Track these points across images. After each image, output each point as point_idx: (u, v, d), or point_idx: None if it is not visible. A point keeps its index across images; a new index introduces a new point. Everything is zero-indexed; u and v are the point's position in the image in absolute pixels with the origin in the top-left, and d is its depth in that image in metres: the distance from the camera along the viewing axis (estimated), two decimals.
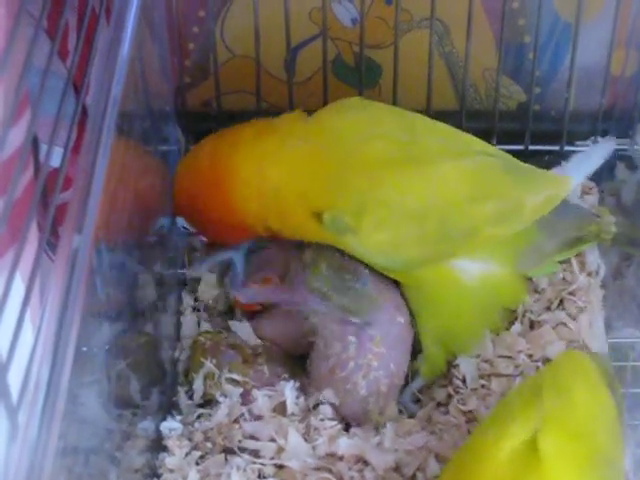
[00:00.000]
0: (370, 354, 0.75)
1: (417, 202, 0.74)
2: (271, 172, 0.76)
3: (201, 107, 0.92)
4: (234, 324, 0.82)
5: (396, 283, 0.78)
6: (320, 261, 0.77)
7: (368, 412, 0.76)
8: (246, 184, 0.77)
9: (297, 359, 0.80)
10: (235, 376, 0.77)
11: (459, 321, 0.77)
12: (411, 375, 0.79)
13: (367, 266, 0.77)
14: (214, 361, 0.78)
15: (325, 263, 0.77)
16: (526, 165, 0.79)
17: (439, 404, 0.78)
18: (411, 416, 0.77)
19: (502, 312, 0.79)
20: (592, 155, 0.81)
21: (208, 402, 0.77)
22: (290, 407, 0.76)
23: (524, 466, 0.58)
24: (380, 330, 0.76)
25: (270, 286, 0.80)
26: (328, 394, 0.76)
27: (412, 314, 0.78)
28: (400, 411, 0.78)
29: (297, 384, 0.77)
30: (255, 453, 0.74)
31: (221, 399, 0.76)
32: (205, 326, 0.84)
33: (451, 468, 0.64)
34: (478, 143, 0.78)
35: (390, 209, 0.74)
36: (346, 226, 0.74)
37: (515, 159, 0.79)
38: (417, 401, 0.79)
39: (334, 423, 0.75)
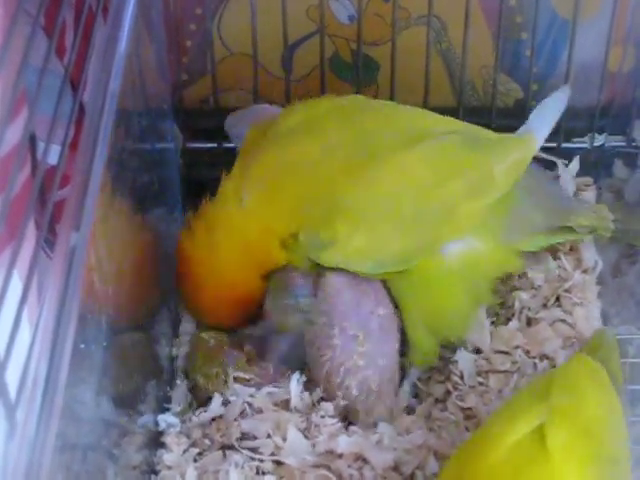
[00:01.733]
0: (355, 354, 0.75)
1: (385, 198, 0.74)
2: (244, 225, 0.76)
3: (198, 104, 0.92)
4: None
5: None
6: (270, 282, 0.77)
7: (357, 412, 0.76)
8: (232, 252, 0.77)
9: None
10: (242, 374, 0.77)
11: (446, 303, 0.76)
12: (407, 368, 0.78)
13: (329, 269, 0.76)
14: (219, 361, 0.78)
15: (272, 283, 0.77)
16: (489, 134, 0.79)
17: (437, 400, 0.78)
18: (410, 412, 0.77)
19: (489, 285, 0.78)
20: (550, 107, 0.81)
21: (208, 399, 0.77)
22: (294, 402, 0.76)
23: (529, 456, 0.58)
24: (362, 327, 0.75)
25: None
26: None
27: (396, 305, 0.77)
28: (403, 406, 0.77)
29: (304, 378, 0.77)
30: (254, 450, 0.74)
31: (232, 398, 0.76)
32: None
33: (458, 457, 0.64)
34: (441, 122, 0.78)
35: (360, 212, 0.74)
36: (322, 241, 0.74)
37: (481, 129, 0.79)
38: (415, 396, 0.79)
39: (335, 420, 0.75)
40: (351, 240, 0.74)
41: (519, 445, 0.59)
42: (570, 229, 0.80)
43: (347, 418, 0.76)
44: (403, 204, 0.74)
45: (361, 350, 0.75)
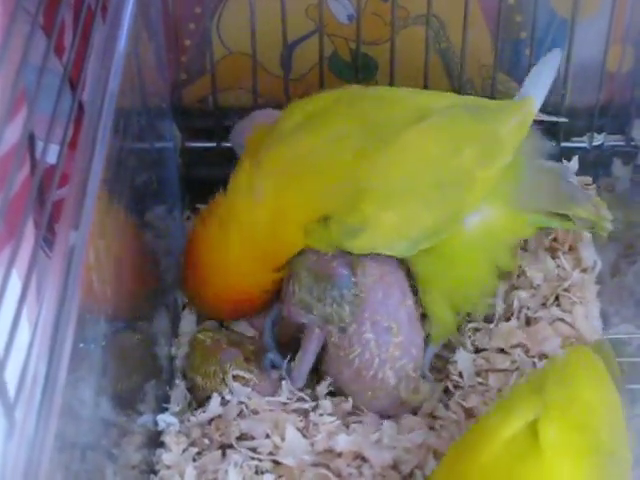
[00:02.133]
0: (391, 346, 0.75)
1: (405, 175, 0.75)
2: (261, 222, 0.76)
3: (197, 104, 0.92)
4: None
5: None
6: (301, 271, 0.76)
7: (402, 398, 0.76)
8: (246, 248, 0.77)
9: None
10: (240, 373, 0.77)
11: (469, 274, 0.77)
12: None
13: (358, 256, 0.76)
14: (216, 359, 0.78)
15: (305, 272, 0.76)
16: (488, 102, 0.80)
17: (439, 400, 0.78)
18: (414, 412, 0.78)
19: (508, 250, 0.79)
20: (544, 70, 0.82)
21: (207, 399, 0.77)
22: (290, 403, 0.76)
23: (523, 452, 0.58)
24: (394, 319, 0.75)
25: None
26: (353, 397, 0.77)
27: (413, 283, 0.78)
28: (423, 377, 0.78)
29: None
30: (252, 449, 0.74)
31: (227, 398, 0.76)
32: (203, 322, 0.84)
33: (454, 452, 0.64)
34: (443, 98, 0.80)
35: (384, 193, 0.74)
36: (352, 227, 0.74)
37: (479, 99, 0.80)
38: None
39: (333, 419, 0.75)
40: (381, 221, 0.74)
41: (513, 441, 0.59)
42: (567, 217, 0.80)
43: (381, 417, 0.77)
44: (423, 178, 0.75)
45: (396, 341, 0.75)
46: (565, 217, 0.80)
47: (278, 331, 0.80)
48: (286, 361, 0.78)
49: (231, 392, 0.76)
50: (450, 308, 0.78)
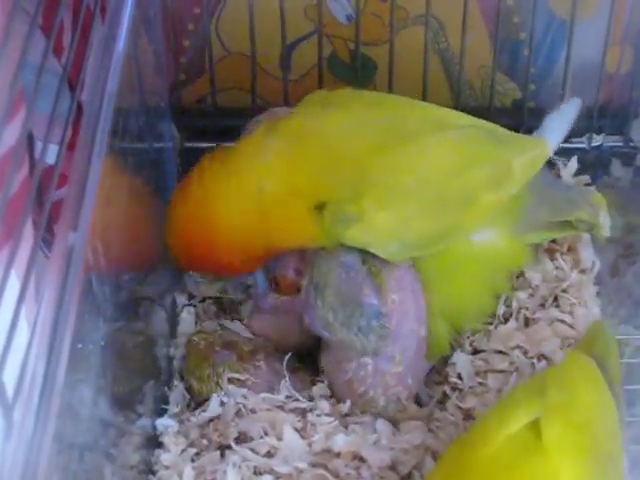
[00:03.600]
0: (388, 375, 0.74)
1: (408, 178, 0.75)
2: (264, 179, 0.76)
3: (196, 104, 0.92)
4: (227, 322, 0.83)
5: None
6: (327, 287, 0.74)
7: (389, 414, 0.76)
8: (242, 200, 0.77)
9: (294, 355, 0.80)
10: (234, 375, 0.77)
11: (467, 292, 0.77)
12: None
13: (381, 279, 0.75)
14: (209, 363, 0.78)
15: (332, 290, 0.74)
16: (506, 131, 0.80)
17: (437, 401, 0.78)
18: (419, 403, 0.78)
19: (506, 276, 0.80)
20: (564, 115, 0.82)
21: (205, 400, 0.77)
22: (288, 403, 0.76)
23: (524, 450, 0.59)
24: (400, 347, 0.74)
25: (289, 297, 0.79)
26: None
27: None
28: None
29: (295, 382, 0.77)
30: (251, 450, 0.74)
31: (224, 399, 0.76)
32: (201, 323, 0.84)
33: (452, 451, 0.64)
34: (462, 117, 0.80)
35: (387, 190, 0.74)
36: (347, 216, 0.74)
37: (498, 127, 0.80)
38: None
39: (332, 419, 0.75)
40: (377, 216, 0.74)
41: (514, 439, 0.59)
42: (569, 224, 0.81)
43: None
44: (428, 187, 0.75)
45: (395, 371, 0.74)
46: (565, 222, 0.81)
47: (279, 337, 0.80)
48: (287, 357, 0.77)
49: (227, 395, 0.76)
50: (446, 323, 0.77)
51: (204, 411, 0.76)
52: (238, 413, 0.76)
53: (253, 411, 0.75)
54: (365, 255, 0.75)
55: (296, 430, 0.74)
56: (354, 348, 0.74)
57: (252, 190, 0.76)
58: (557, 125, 0.81)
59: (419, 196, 0.75)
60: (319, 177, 0.75)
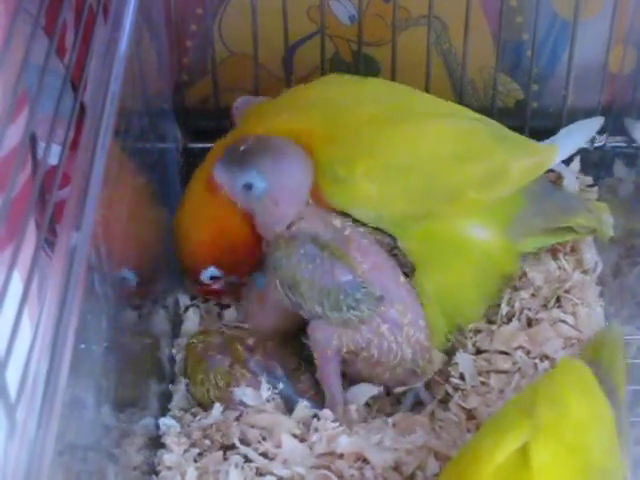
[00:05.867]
0: (405, 326, 0.75)
1: (403, 155, 0.76)
2: None
3: (199, 105, 0.92)
4: (228, 313, 0.84)
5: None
6: (299, 284, 0.75)
7: (420, 368, 0.77)
8: None
9: (293, 355, 0.80)
10: (222, 383, 0.77)
11: (459, 280, 0.78)
12: None
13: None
14: (202, 368, 0.78)
15: (306, 285, 0.75)
16: (514, 133, 0.80)
17: (439, 401, 0.78)
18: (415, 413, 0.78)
19: (499, 281, 0.81)
20: (579, 130, 0.83)
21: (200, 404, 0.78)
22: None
23: (515, 476, 0.58)
24: (398, 300, 0.76)
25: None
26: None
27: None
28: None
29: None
30: (254, 450, 0.74)
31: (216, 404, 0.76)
32: (205, 323, 0.84)
33: (448, 473, 0.63)
34: (467, 111, 0.81)
35: (378, 160, 0.76)
36: (337, 175, 0.76)
37: (506, 129, 0.80)
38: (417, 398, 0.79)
39: (335, 425, 0.75)
40: (362, 185, 0.75)
41: (504, 466, 0.58)
42: (570, 229, 0.81)
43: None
44: (417, 166, 0.76)
45: (406, 321, 0.75)
46: (568, 229, 0.81)
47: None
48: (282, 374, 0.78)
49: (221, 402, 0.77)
50: (442, 314, 0.78)
51: (207, 412, 0.76)
52: (240, 414, 0.76)
53: (257, 411, 0.75)
54: (319, 241, 0.75)
55: (300, 431, 0.74)
56: (352, 324, 0.75)
57: None
58: (572, 138, 0.82)
59: (407, 178, 0.76)
60: (318, 139, 0.76)
